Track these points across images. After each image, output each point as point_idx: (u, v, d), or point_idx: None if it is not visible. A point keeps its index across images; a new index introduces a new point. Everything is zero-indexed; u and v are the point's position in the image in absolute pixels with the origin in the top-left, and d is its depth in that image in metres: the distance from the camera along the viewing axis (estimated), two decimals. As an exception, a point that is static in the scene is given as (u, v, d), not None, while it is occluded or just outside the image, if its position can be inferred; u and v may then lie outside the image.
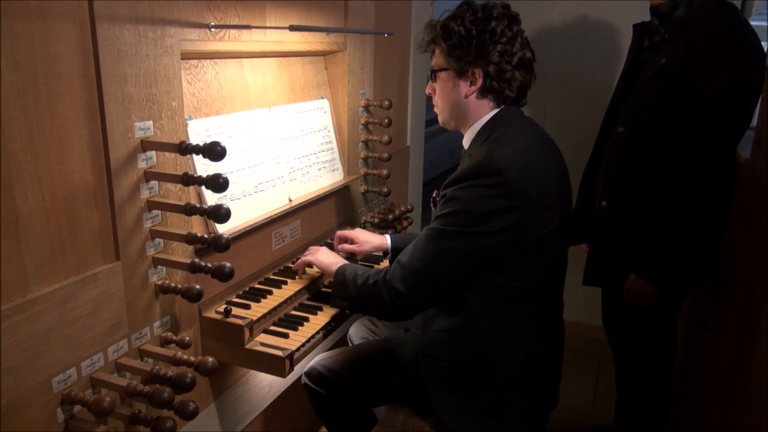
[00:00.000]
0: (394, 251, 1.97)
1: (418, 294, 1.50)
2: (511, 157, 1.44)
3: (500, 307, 1.51)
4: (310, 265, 1.85)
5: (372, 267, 2.07)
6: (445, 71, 1.57)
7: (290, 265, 1.95)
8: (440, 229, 1.47)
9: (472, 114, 1.58)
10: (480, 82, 1.53)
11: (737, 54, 1.75)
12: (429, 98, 1.72)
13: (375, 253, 2.06)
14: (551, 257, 1.53)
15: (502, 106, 1.57)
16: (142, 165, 1.36)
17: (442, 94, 1.61)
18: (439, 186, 1.53)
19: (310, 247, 1.90)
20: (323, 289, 1.87)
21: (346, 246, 1.98)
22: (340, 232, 2.02)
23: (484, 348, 1.53)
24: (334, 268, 1.69)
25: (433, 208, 1.74)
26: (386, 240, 1.98)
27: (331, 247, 2.01)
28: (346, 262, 1.74)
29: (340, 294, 1.65)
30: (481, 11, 1.52)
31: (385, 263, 2.11)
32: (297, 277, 1.87)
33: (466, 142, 1.63)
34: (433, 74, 1.62)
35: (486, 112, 1.57)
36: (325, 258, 1.78)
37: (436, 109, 1.68)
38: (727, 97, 1.73)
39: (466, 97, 1.56)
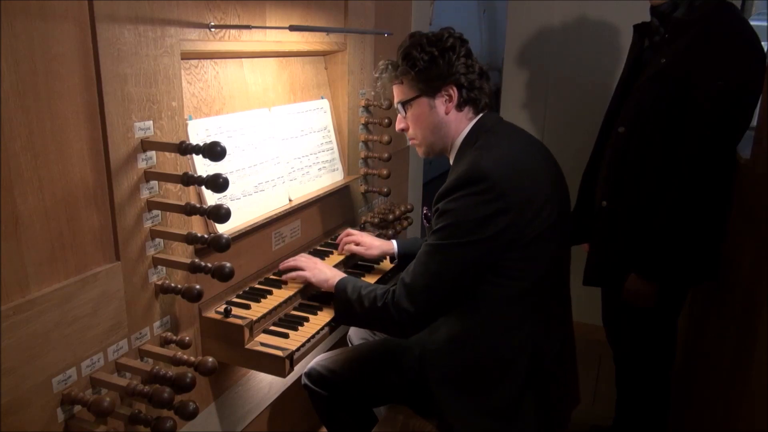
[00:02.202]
0: (401, 257, 1.99)
1: (427, 310, 1.54)
2: (496, 160, 1.47)
3: (503, 307, 1.51)
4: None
5: (372, 267, 2.09)
6: (417, 99, 1.61)
7: (278, 277, 1.87)
8: (438, 244, 1.49)
9: (454, 130, 1.62)
10: (456, 95, 1.58)
11: (737, 54, 1.76)
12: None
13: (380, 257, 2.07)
14: (551, 255, 1.54)
15: (480, 115, 1.61)
16: (142, 165, 1.36)
17: (419, 121, 1.64)
18: (438, 186, 1.54)
19: (299, 258, 1.85)
20: (323, 290, 1.86)
21: (354, 247, 2.00)
22: (346, 237, 2.04)
23: (491, 349, 1.53)
24: (333, 282, 1.70)
25: (426, 224, 1.74)
26: (393, 245, 2.00)
27: (318, 253, 2.02)
28: (342, 274, 1.75)
29: (345, 314, 1.67)
30: (433, 35, 1.60)
31: (383, 265, 2.11)
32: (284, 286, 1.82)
33: (452, 159, 1.65)
34: (405, 107, 1.64)
35: (465, 125, 1.61)
36: (321, 274, 1.77)
37: (413, 142, 1.70)
38: (727, 97, 1.73)
39: (447, 113, 1.60)
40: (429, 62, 1.57)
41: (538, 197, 1.48)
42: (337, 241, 2.08)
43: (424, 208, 1.76)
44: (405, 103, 1.64)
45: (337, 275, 1.74)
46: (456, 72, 1.56)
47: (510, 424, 1.54)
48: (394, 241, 2.01)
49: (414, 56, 1.58)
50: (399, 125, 1.70)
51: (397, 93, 1.66)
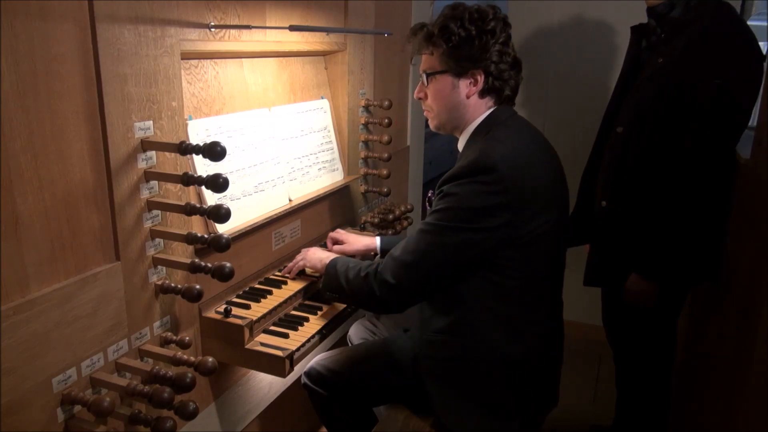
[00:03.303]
0: (384, 252, 1.98)
1: (408, 286, 1.51)
2: (505, 154, 1.45)
3: (496, 305, 1.51)
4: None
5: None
6: (442, 74, 1.56)
7: (282, 274, 1.90)
8: (434, 224, 1.48)
9: (470, 115, 1.58)
10: (482, 81, 1.54)
11: (734, 53, 1.76)
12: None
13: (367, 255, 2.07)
14: (548, 256, 1.54)
15: (496, 106, 1.58)
16: (142, 165, 1.36)
17: (438, 97, 1.59)
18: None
19: (302, 251, 1.90)
20: (318, 273, 1.86)
21: (336, 247, 2.01)
22: (331, 234, 2.06)
23: (480, 346, 1.54)
24: (326, 261, 1.71)
25: (428, 208, 1.74)
26: (375, 241, 1.99)
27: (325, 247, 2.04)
28: (335, 256, 1.76)
29: (331, 286, 1.66)
30: (477, 12, 1.53)
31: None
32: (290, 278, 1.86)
33: (461, 145, 1.63)
34: (428, 78, 1.60)
35: (482, 113, 1.58)
36: (314, 257, 1.80)
37: (428, 114, 1.67)
38: (726, 96, 1.73)
39: (468, 97, 1.56)
40: (464, 40, 1.51)
41: (540, 197, 1.48)
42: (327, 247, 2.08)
43: (430, 191, 1.75)
44: (429, 75, 1.59)
45: (331, 256, 1.75)
46: (488, 58, 1.51)
47: (498, 423, 1.55)
48: (377, 237, 2.01)
49: (451, 30, 1.52)
50: (418, 94, 1.66)
51: (425, 61, 1.61)
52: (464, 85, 1.55)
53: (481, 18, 1.52)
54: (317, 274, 1.86)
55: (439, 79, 1.57)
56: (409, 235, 1.54)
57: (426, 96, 1.63)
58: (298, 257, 1.87)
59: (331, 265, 1.68)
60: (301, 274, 1.88)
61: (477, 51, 1.51)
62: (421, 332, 1.64)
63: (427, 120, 1.73)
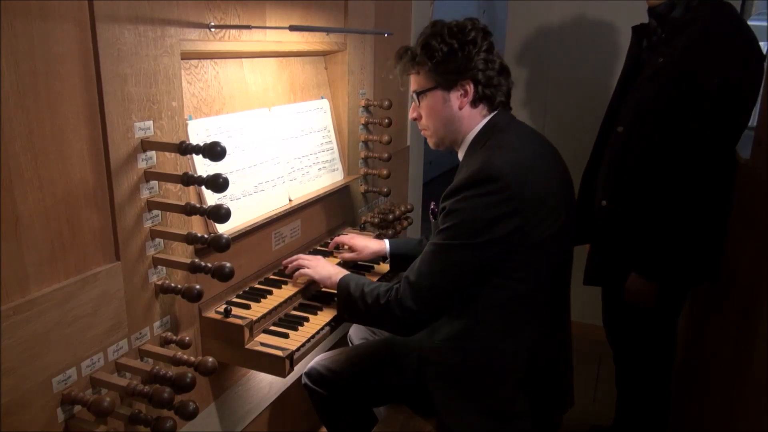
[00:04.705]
0: (393, 257, 1.99)
1: (431, 309, 1.53)
2: (508, 161, 1.45)
3: (503, 309, 1.51)
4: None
5: (372, 267, 2.09)
6: (432, 90, 1.58)
7: (293, 280, 1.86)
8: (445, 244, 1.47)
9: (466, 126, 1.59)
10: (472, 91, 1.55)
11: (734, 52, 1.76)
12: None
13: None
14: (555, 259, 1.53)
15: (494, 113, 1.58)
16: (142, 165, 1.36)
17: (432, 113, 1.61)
18: (439, 186, 1.53)
19: (301, 257, 1.87)
20: (323, 290, 1.86)
21: (345, 254, 2.01)
22: (338, 238, 2.06)
23: (488, 350, 1.53)
24: (336, 279, 1.70)
25: (432, 220, 1.73)
26: (385, 245, 1.99)
27: (318, 253, 2.03)
28: (344, 271, 1.74)
29: (348, 311, 1.66)
30: (456, 27, 1.55)
31: (382, 266, 2.11)
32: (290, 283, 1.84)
33: (461, 154, 1.63)
34: (419, 97, 1.61)
35: (478, 121, 1.59)
36: (324, 270, 1.77)
37: (425, 133, 1.67)
38: (726, 96, 1.73)
39: (461, 108, 1.57)
40: (447, 54, 1.53)
41: (548, 200, 1.47)
42: (329, 248, 2.08)
43: (432, 203, 1.74)
44: (419, 94, 1.61)
45: (340, 272, 1.74)
46: (474, 67, 1.52)
47: (504, 425, 1.54)
48: (386, 241, 2.01)
49: (433, 46, 1.54)
50: (412, 114, 1.67)
51: (414, 82, 1.63)
52: (455, 98, 1.56)
53: (461, 30, 1.54)
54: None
55: (430, 96, 1.59)
56: (422, 256, 1.53)
57: (420, 116, 1.65)
58: (304, 262, 1.82)
59: (343, 286, 1.66)
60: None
61: (462, 62, 1.53)
62: (429, 338, 1.64)
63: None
